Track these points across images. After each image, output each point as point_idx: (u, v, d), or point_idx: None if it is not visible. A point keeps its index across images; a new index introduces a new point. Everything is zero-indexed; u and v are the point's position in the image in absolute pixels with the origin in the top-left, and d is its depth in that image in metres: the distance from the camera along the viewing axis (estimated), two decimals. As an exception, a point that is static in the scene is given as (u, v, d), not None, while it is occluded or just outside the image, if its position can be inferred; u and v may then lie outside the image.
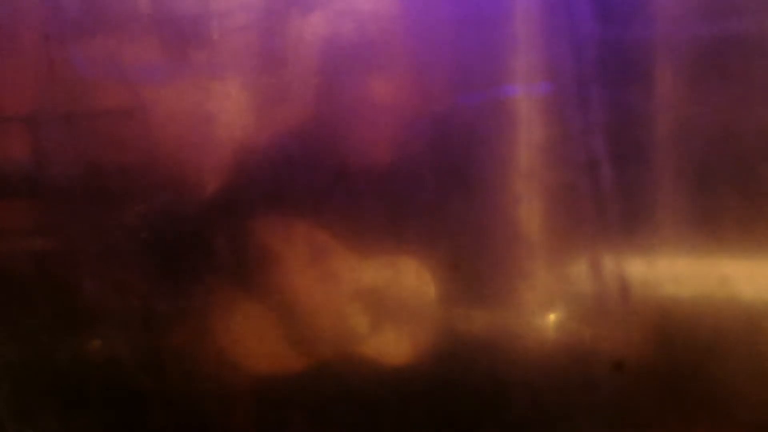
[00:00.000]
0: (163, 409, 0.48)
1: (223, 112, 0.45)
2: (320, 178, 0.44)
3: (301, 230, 0.44)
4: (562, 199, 0.42)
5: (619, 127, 0.40)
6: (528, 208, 0.42)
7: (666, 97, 0.40)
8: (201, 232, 0.46)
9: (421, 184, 0.43)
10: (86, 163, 0.47)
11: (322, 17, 0.43)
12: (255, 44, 0.44)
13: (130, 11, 0.45)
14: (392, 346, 0.44)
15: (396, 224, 0.43)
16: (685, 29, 0.39)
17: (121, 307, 0.47)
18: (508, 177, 0.42)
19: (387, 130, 0.43)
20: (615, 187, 0.41)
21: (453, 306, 0.44)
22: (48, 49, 0.46)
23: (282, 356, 0.46)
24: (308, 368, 0.46)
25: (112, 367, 0.48)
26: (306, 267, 0.45)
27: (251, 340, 0.46)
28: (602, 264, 0.42)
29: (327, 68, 0.43)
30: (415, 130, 0.43)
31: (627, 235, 0.41)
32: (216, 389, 0.47)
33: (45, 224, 0.48)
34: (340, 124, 0.43)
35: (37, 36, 0.46)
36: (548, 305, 0.43)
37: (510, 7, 0.41)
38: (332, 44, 0.43)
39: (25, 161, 0.47)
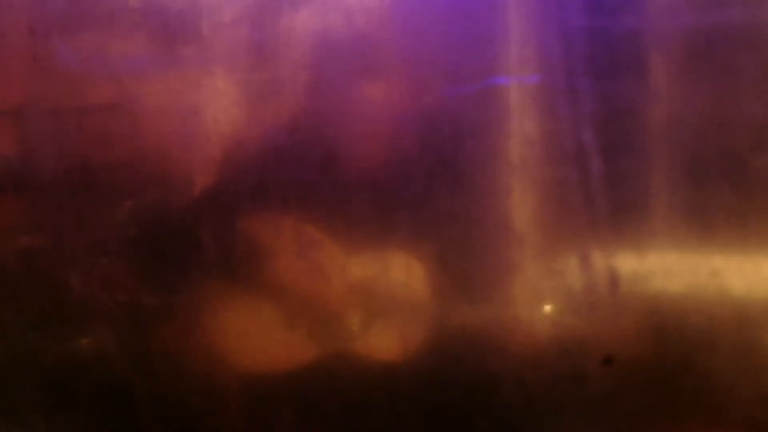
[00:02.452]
0: (152, 406, 0.47)
1: (212, 107, 0.44)
2: (308, 171, 0.43)
3: (289, 224, 0.44)
4: (551, 191, 0.41)
5: (609, 119, 0.40)
6: (517, 200, 0.42)
7: (656, 89, 0.40)
8: (189, 227, 0.45)
9: (410, 177, 0.43)
10: (73, 158, 0.46)
11: (311, 11, 0.43)
12: (244, 39, 0.44)
13: (117, 5, 0.45)
14: (381, 340, 0.44)
15: (384, 217, 0.43)
16: (675, 20, 0.39)
17: (109, 304, 0.47)
18: (498, 170, 0.42)
19: (375, 123, 0.43)
20: (605, 179, 0.41)
21: (442, 300, 0.44)
22: (34, 44, 0.46)
23: (271, 352, 0.46)
24: (297, 364, 0.45)
25: (100, 364, 0.48)
26: (294, 261, 0.44)
27: (240, 336, 0.46)
28: (592, 257, 0.41)
29: (316, 62, 0.43)
30: (404, 123, 0.43)
31: (617, 229, 0.41)
32: (205, 386, 0.47)
33: (31, 220, 0.48)
34: (328, 118, 0.43)
35: (22, 30, 0.46)
36: (538, 299, 0.42)
37: (499, -2, 0.41)
38: (321, 38, 0.43)
39: (11, 156, 0.47)
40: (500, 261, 0.43)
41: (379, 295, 0.44)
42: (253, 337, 0.46)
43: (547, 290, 0.42)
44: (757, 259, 0.40)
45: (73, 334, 0.48)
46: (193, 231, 0.45)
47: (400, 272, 0.43)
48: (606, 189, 0.41)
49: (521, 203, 0.42)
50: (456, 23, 0.41)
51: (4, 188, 0.48)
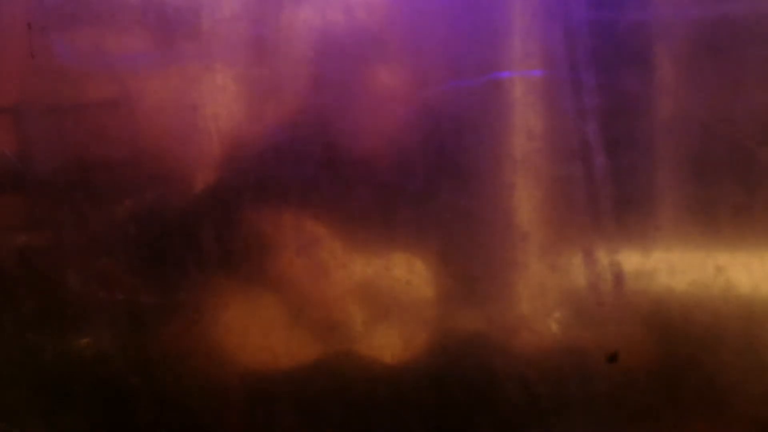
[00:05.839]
0: (152, 405, 0.47)
1: (212, 103, 0.44)
2: (309, 167, 0.43)
3: (290, 221, 0.44)
4: (555, 187, 0.41)
5: (614, 113, 0.40)
6: (520, 196, 0.42)
7: (660, 82, 0.40)
8: (189, 225, 0.45)
9: (412, 173, 0.43)
10: (72, 155, 0.46)
11: (311, 6, 0.43)
12: (244, 34, 0.44)
13: (115, 0, 0.44)
14: (384, 339, 0.44)
15: (386, 214, 0.43)
16: (679, 13, 0.39)
17: (108, 303, 0.47)
18: (500, 165, 0.42)
19: (377, 118, 0.43)
20: (609, 174, 0.40)
21: (444, 298, 0.43)
22: (31, 40, 0.45)
23: (272, 351, 0.46)
24: (299, 363, 0.45)
25: (99, 363, 0.47)
26: (295, 259, 0.44)
27: (241, 335, 0.46)
28: (596, 254, 0.41)
29: (317, 57, 0.43)
30: (406, 118, 0.42)
31: (621, 225, 0.41)
32: (205, 385, 0.47)
33: (30, 218, 0.48)
34: (329, 113, 0.43)
35: (19, 25, 0.45)
36: (541, 297, 0.42)
37: (502, -9, 0.41)
38: (322, 33, 0.43)
39: (9, 154, 0.47)
40: (503, 258, 0.42)
41: (382, 292, 0.44)
42: (253, 335, 0.45)
43: (551, 287, 0.42)
44: (763, 254, 0.40)
45: (72, 333, 0.48)
46: (193, 229, 0.45)
47: (403, 269, 0.43)
48: (610, 184, 0.41)
49: (524, 199, 0.42)
50: (459, 17, 0.41)
51: (2, 186, 0.47)
